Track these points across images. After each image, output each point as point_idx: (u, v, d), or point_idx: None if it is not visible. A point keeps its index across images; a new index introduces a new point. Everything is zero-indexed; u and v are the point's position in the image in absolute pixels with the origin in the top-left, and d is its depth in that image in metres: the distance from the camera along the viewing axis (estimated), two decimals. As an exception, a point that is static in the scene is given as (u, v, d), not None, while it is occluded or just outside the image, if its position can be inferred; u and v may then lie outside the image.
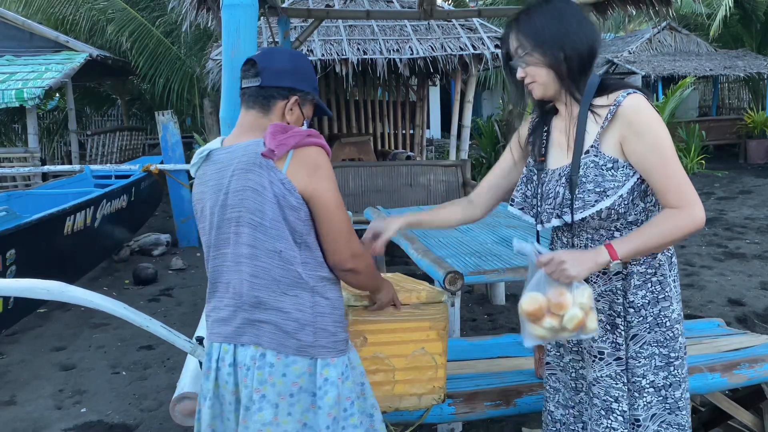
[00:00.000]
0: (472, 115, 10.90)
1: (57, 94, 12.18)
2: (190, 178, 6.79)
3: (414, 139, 9.28)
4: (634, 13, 4.76)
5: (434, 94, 15.83)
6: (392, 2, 7.12)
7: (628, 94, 1.50)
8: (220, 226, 1.56)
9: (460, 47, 6.66)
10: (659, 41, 13.87)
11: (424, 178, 6.70)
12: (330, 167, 1.55)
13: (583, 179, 1.51)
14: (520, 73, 1.58)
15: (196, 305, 4.81)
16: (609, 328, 1.57)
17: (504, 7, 8.24)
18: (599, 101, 1.54)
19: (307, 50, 6.44)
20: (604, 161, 1.52)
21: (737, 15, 13.60)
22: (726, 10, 12.02)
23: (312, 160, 1.51)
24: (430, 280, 2.68)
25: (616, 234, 1.55)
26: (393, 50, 6.59)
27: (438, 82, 10.15)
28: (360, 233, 5.19)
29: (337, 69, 6.42)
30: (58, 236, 4.91)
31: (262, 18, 5.60)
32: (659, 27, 13.71)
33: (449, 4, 10.57)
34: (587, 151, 1.53)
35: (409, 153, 8.41)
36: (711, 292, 4.79)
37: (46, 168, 7.10)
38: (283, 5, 5.35)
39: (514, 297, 4.77)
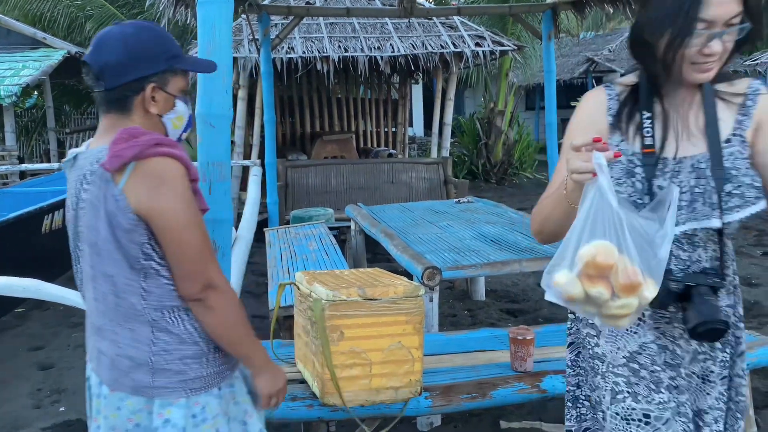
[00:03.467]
0: (454, 113, 10.94)
1: (35, 92, 12.03)
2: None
3: (396, 136, 9.32)
4: (612, 11, 4.83)
5: (417, 91, 15.87)
6: (373, 0, 7.14)
7: (759, 83, 1.31)
8: (75, 237, 1.39)
9: (441, 45, 6.69)
10: (638, 40, 14.02)
11: (406, 175, 6.74)
12: (181, 182, 1.28)
13: (734, 172, 1.23)
14: (716, 47, 1.19)
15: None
16: (720, 345, 1.33)
17: (484, 6, 8.29)
18: (722, 87, 1.29)
19: (288, 47, 6.44)
20: (749, 153, 1.26)
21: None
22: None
23: (155, 173, 1.26)
24: (411, 276, 2.72)
25: (730, 243, 1.31)
26: (374, 48, 6.61)
27: (420, 80, 10.20)
28: (340, 229, 5.15)
29: (318, 67, 6.43)
30: (36, 235, 4.87)
31: (242, 15, 5.60)
32: (638, 26, 13.87)
33: (430, 2, 10.60)
34: (728, 140, 1.26)
35: (392, 151, 8.44)
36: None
37: (24, 166, 7.03)
38: (263, 2, 5.34)
39: (494, 293, 4.81)
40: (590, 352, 1.38)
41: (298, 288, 2.07)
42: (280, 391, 1.46)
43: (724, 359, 1.32)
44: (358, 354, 1.85)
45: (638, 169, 1.25)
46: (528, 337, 2.13)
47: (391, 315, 1.88)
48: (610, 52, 13.59)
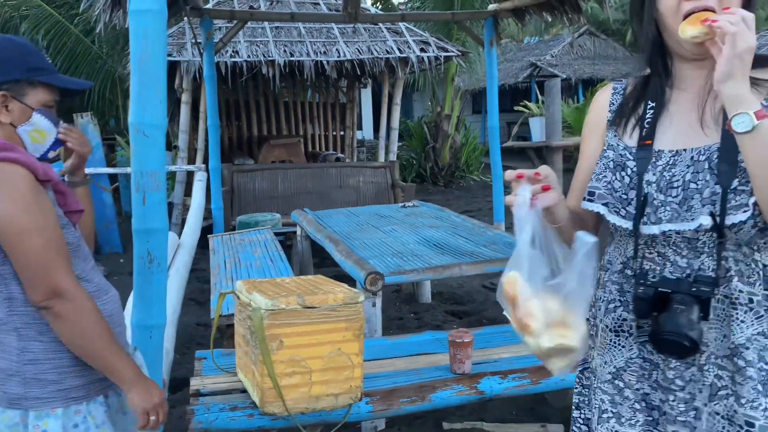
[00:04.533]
0: (403, 117, 10.98)
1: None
2: (113, 182, 6.58)
3: (345, 140, 9.33)
4: (550, 19, 4.98)
5: (366, 95, 15.92)
6: (318, 4, 7.14)
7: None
8: None
9: (387, 50, 6.75)
10: (579, 45, 14.48)
11: (353, 179, 6.76)
12: (17, 186, 1.24)
13: (743, 164, 1.03)
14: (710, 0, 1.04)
15: (119, 313, 4.67)
16: (761, 388, 1.06)
17: (428, 12, 8.40)
18: (758, 73, 1.07)
19: (233, 51, 6.37)
20: None
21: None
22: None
23: None
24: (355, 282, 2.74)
25: (756, 255, 1.08)
26: (320, 52, 6.61)
27: (368, 84, 10.25)
28: (287, 234, 5.12)
29: (264, 71, 6.39)
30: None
31: (185, 19, 5.51)
32: (579, 32, 14.32)
33: (377, 8, 10.67)
34: None
35: (340, 155, 8.45)
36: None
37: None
38: (207, 6, 5.28)
39: (440, 295, 4.89)
40: (589, 365, 1.28)
41: (238, 297, 2.06)
42: (156, 406, 1.36)
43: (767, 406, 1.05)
44: (297, 362, 1.86)
45: (630, 163, 1.14)
46: (466, 340, 2.18)
47: (331, 322, 1.90)
48: (553, 57, 13.96)
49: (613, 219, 1.14)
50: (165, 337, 2.33)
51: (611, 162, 1.17)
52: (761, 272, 1.08)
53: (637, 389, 1.17)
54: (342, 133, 9.30)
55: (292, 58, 6.44)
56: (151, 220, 1.76)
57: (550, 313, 1.06)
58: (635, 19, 1.17)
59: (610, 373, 1.20)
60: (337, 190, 6.67)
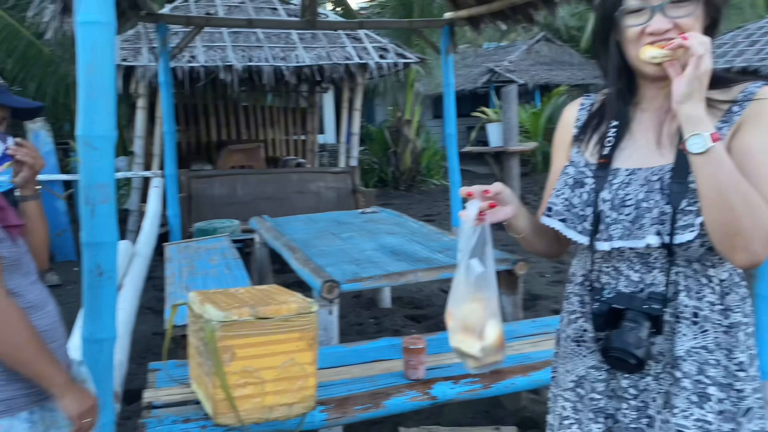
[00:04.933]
0: (365, 121, 10.97)
1: None
2: (67, 188, 6.40)
3: (306, 145, 9.31)
4: (505, 27, 5.08)
5: (328, 99, 15.90)
6: (277, 10, 7.13)
7: (758, 86, 1.11)
8: None
9: (346, 57, 6.78)
10: (536, 51, 14.76)
11: (314, 185, 6.76)
12: None
13: (694, 186, 1.06)
14: (661, 23, 1.07)
15: (72, 324, 4.57)
16: (696, 399, 1.11)
17: (385, 20, 8.49)
18: (714, 94, 1.10)
19: (190, 56, 6.31)
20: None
21: (605, 28, 14.73)
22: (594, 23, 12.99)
23: None
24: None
25: (711, 272, 1.12)
26: (279, 58, 6.60)
27: (329, 89, 10.26)
28: (245, 241, 5.08)
29: (222, 76, 6.34)
30: None
31: (140, 24, 5.44)
32: (535, 38, 14.61)
33: (338, 12, 10.69)
34: None
35: (300, 160, 8.43)
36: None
37: None
38: (162, 11, 5.22)
39: (399, 300, 4.93)
40: (552, 375, 1.34)
41: (191, 309, 2.06)
42: (88, 411, 1.37)
43: (701, 417, 1.11)
44: (250, 373, 1.87)
45: (588, 180, 1.19)
46: (419, 346, 2.22)
47: (284, 333, 1.91)
48: (510, 63, 14.20)
49: (569, 234, 1.19)
50: (119, 348, 2.31)
51: (571, 179, 1.21)
52: (716, 287, 1.12)
53: (591, 398, 1.21)
54: (303, 137, 9.29)
55: (250, 64, 6.42)
56: (101, 234, 1.75)
57: (467, 318, 1.15)
58: (600, 43, 1.20)
59: (572, 381, 1.25)
60: (297, 195, 6.65)
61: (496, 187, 1.16)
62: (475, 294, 1.13)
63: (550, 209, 1.21)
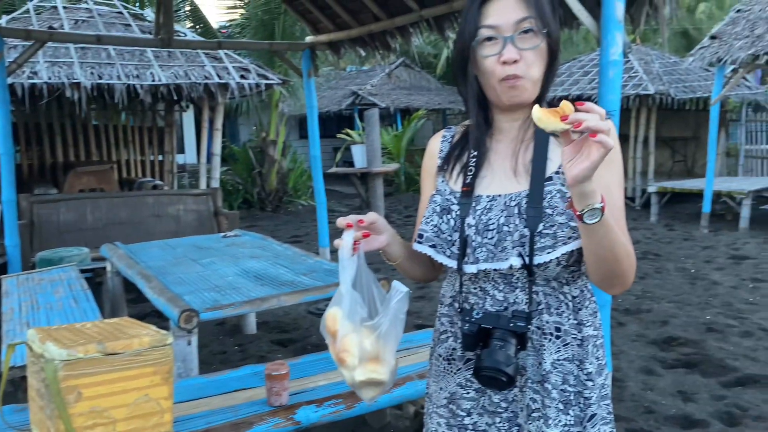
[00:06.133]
0: (229, 141, 10.68)
1: None
2: None
3: (164, 166, 8.92)
4: (364, 53, 5.23)
5: (189, 118, 15.37)
6: (130, 26, 6.81)
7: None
8: None
9: (206, 76, 6.62)
10: (396, 76, 15.32)
11: (173, 208, 6.47)
12: None
13: (549, 211, 1.15)
14: (510, 53, 1.15)
15: None
16: (562, 407, 1.21)
17: (245, 41, 8.41)
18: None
19: (31, 72, 5.84)
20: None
21: (459, 56, 15.65)
22: (448, 52, 13.79)
23: None
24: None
25: (565, 288, 1.22)
26: (132, 76, 6.30)
27: (189, 107, 9.93)
28: (96, 271, 4.76)
29: (68, 94, 5.93)
30: None
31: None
32: (395, 64, 15.16)
33: (195, 32, 10.40)
34: (550, 178, 1.19)
35: (157, 182, 8.05)
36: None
37: None
38: (-4, 22, 4.79)
39: (265, 325, 4.85)
40: (427, 391, 1.38)
41: (30, 348, 1.89)
42: None
43: (567, 422, 1.20)
44: (99, 413, 1.76)
45: (454, 207, 1.24)
46: (282, 372, 2.20)
47: (137, 368, 1.82)
48: (373, 86, 14.61)
49: (440, 259, 1.23)
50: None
51: (438, 206, 1.26)
52: (570, 303, 1.22)
53: (468, 414, 1.27)
54: (161, 158, 8.89)
55: (100, 81, 6.06)
56: None
57: (364, 350, 1.15)
58: (459, 74, 1.26)
59: (445, 398, 1.30)
60: (154, 220, 6.33)
61: (371, 216, 1.21)
62: (366, 322, 1.15)
63: (421, 236, 1.25)
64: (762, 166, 12.44)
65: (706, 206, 8.39)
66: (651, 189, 9.50)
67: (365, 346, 1.15)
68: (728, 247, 7.41)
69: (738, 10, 8.76)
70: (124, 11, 7.45)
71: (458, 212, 1.23)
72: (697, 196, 9.12)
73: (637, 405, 3.33)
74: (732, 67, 8.13)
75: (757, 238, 7.92)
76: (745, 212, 8.45)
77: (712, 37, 8.31)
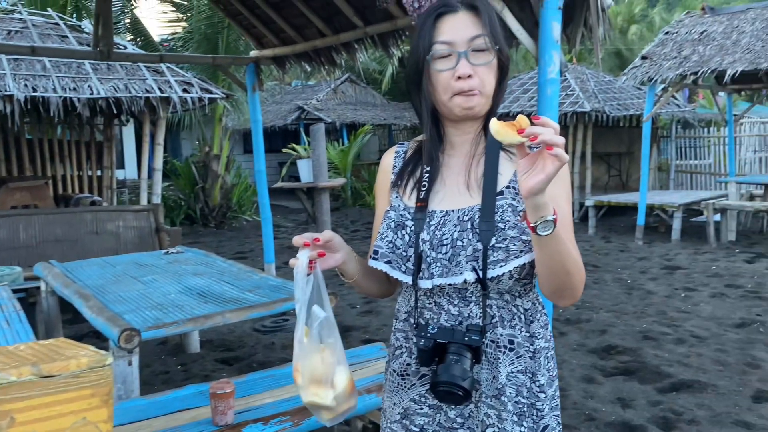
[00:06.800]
0: (171, 156, 10.45)
1: None
2: None
3: (102, 181, 8.64)
4: (309, 69, 5.25)
5: (129, 132, 14.97)
6: (67, 38, 6.61)
7: None
8: None
9: (147, 89, 6.48)
10: (342, 92, 15.39)
11: (112, 224, 6.28)
12: None
13: (501, 225, 1.17)
14: (464, 68, 1.18)
15: None
16: (516, 419, 1.23)
17: (188, 54, 8.29)
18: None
19: (-42, 83, 5.58)
20: (522, 206, 1.19)
21: (402, 73, 15.92)
22: (393, 68, 13.96)
23: None
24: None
25: (518, 301, 1.24)
26: (69, 89, 6.10)
27: (129, 121, 9.67)
28: (29, 291, 4.57)
29: (0, 107, 5.69)
30: None
31: None
32: (341, 79, 15.24)
33: (136, 45, 10.19)
34: (501, 192, 1.21)
35: (96, 198, 7.79)
36: (386, 316, 5.43)
37: None
38: None
39: (209, 343, 4.75)
40: (382, 407, 1.38)
41: (-43, 373, 1.80)
42: None
43: None
44: (33, 439, 1.68)
45: (408, 222, 1.24)
46: (227, 391, 2.17)
47: (74, 390, 1.75)
48: (318, 101, 14.62)
49: (395, 275, 1.23)
50: None
51: (393, 222, 1.26)
52: (522, 316, 1.23)
53: (421, 430, 1.26)
54: (99, 173, 8.61)
55: (35, 94, 5.84)
56: None
57: (315, 370, 1.15)
58: (414, 88, 1.27)
59: (398, 413, 1.29)
60: (92, 237, 6.13)
61: (326, 235, 1.20)
62: (319, 343, 1.14)
63: (376, 252, 1.25)
64: (691, 180, 13.09)
65: (641, 219, 8.75)
66: (588, 203, 9.84)
67: (314, 367, 1.15)
68: (661, 258, 7.74)
69: (666, 32, 9.25)
70: (61, 22, 7.23)
71: (413, 228, 1.24)
72: (632, 209, 9.50)
73: (579, 413, 3.42)
74: (662, 86, 8.55)
75: (688, 249, 8.30)
76: (677, 224, 8.85)
77: (643, 58, 8.73)
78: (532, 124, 0.99)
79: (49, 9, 8.14)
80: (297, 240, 1.18)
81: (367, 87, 16.31)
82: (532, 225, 1.05)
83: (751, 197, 9.77)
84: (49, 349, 1.92)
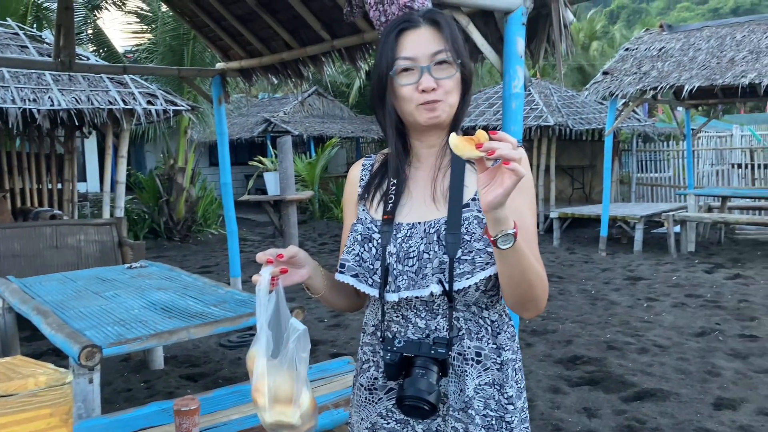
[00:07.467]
0: (134, 169, 10.27)
1: None
2: None
3: (63, 194, 8.43)
4: (276, 81, 5.23)
5: (92, 144, 14.68)
6: (27, 48, 6.47)
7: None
8: None
9: (110, 101, 6.37)
10: (310, 104, 15.39)
11: (73, 239, 6.13)
12: None
13: (467, 237, 1.17)
14: (427, 82, 1.19)
15: None
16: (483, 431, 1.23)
17: (152, 66, 8.19)
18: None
19: None
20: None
21: (369, 86, 15.99)
22: (360, 81, 14.03)
23: None
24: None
25: (485, 313, 1.23)
26: (29, 100, 5.96)
27: (92, 133, 9.48)
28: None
29: (-45, 117, 5.52)
30: None
31: None
32: (308, 92, 15.24)
33: (99, 56, 10.02)
34: (467, 205, 1.21)
35: (56, 211, 7.60)
36: (354, 329, 5.40)
37: None
38: None
39: (174, 359, 4.66)
40: (349, 421, 1.37)
41: None
42: None
43: None
44: (-13, 462, 1.62)
45: (375, 235, 1.24)
46: (192, 408, 2.12)
47: (32, 410, 1.70)
48: (285, 114, 14.58)
49: (362, 288, 1.22)
50: None
51: (359, 235, 1.25)
52: (489, 328, 1.23)
53: None
54: (60, 186, 8.41)
55: (-8, 105, 5.69)
56: None
57: (278, 390, 1.13)
58: (378, 102, 1.27)
59: (366, 428, 1.29)
60: (52, 251, 5.97)
61: (291, 251, 1.19)
62: (293, 359, 1.12)
63: (343, 266, 1.24)
64: (652, 192, 13.43)
65: (604, 230, 8.93)
66: (553, 215, 9.99)
67: (279, 385, 1.13)
68: (624, 269, 7.90)
69: (626, 49, 9.51)
70: (20, 32, 7.07)
71: (379, 240, 1.23)
72: (595, 221, 9.69)
73: (546, 423, 3.45)
74: (623, 100, 8.77)
75: (650, 260, 8.49)
76: (639, 236, 9.05)
77: (605, 73, 8.96)
78: (490, 138, 0.99)
79: (8, 18, 7.96)
80: (260, 257, 1.17)
81: (335, 100, 16.34)
82: (492, 238, 1.06)
83: (709, 209, 10.06)
84: (5, 368, 1.86)
